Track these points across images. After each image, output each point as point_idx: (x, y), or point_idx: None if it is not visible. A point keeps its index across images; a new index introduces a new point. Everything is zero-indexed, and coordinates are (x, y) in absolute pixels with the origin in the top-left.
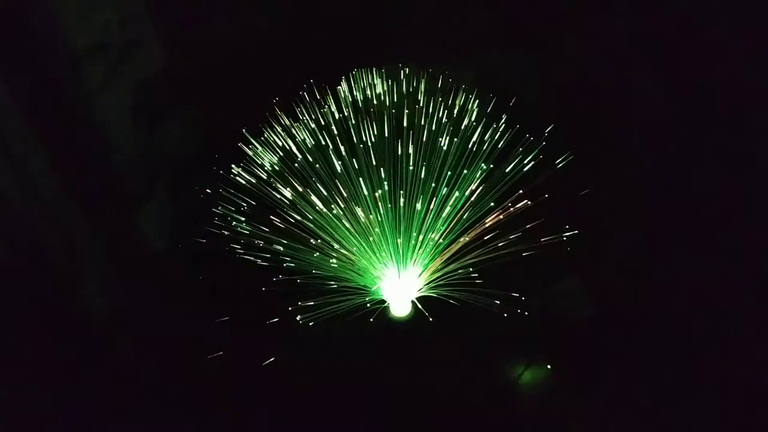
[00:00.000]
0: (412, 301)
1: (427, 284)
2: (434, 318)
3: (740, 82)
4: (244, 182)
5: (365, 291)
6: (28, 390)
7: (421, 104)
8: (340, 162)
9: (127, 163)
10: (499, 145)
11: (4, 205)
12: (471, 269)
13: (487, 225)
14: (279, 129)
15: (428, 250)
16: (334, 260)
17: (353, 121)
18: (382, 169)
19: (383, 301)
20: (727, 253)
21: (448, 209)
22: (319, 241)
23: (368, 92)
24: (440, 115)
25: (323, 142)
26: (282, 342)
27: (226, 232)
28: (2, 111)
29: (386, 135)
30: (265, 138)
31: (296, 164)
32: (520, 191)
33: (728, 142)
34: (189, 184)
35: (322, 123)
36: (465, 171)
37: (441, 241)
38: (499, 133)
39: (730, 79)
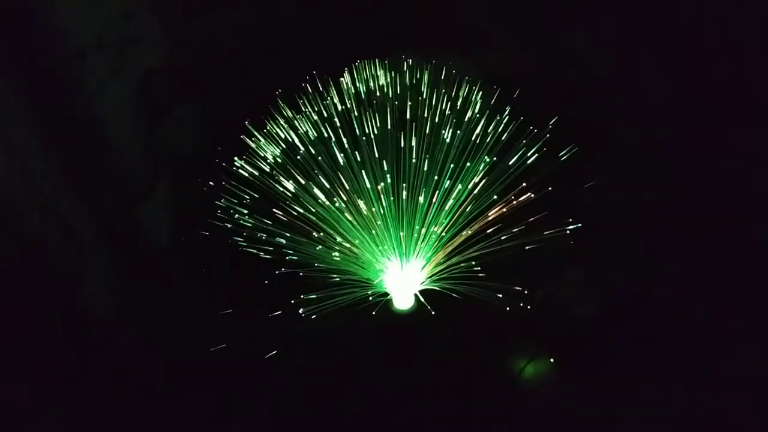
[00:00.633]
0: (415, 294)
1: (430, 277)
2: (437, 311)
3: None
4: (246, 175)
5: (368, 284)
6: (28, 390)
7: (424, 96)
8: (342, 154)
9: (130, 158)
10: (503, 138)
11: (5, 204)
12: (474, 262)
13: (490, 218)
14: (282, 121)
15: (431, 243)
16: (337, 253)
17: (356, 113)
18: (385, 161)
19: (386, 294)
20: (727, 243)
21: (451, 202)
22: (321, 234)
23: (371, 84)
24: (443, 107)
25: (326, 135)
26: (285, 334)
27: (228, 225)
28: (3, 109)
29: (389, 127)
30: (267, 130)
31: (299, 156)
32: (524, 184)
33: (729, 134)
34: (192, 178)
35: (325, 115)
36: (468, 163)
37: (444, 234)
38: (502, 125)
39: (732, 72)
